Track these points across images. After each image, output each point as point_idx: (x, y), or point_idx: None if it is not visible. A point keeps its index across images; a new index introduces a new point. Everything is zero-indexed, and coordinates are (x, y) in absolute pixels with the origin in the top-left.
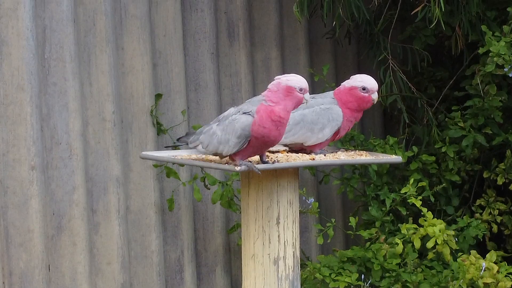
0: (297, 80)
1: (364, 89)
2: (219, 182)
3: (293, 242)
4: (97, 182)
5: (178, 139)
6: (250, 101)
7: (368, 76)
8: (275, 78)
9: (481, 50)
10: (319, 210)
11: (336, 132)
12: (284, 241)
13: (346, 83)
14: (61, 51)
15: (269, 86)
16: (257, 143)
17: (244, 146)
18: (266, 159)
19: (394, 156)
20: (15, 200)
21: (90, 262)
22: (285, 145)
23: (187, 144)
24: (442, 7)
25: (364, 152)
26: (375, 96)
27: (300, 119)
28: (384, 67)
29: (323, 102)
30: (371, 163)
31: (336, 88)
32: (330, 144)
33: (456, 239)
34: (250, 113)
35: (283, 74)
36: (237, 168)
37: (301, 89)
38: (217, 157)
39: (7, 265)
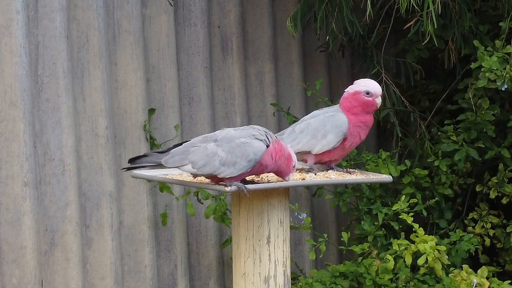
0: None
1: (368, 93)
2: (212, 197)
3: (283, 261)
4: (90, 198)
5: (131, 160)
6: (267, 131)
7: (372, 80)
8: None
9: (473, 65)
10: (311, 225)
11: (345, 139)
12: (275, 260)
13: (350, 89)
14: (54, 67)
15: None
16: (256, 169)
17: (248, 171)
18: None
19: (384, 176)
20: (8, 216)
21: (83, 277)
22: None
23: (156, 165)
24: (435, 23)
25: (355, 170)
26: (379, 101)
27: (305, 127)
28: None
29: (327, 111)
30: (361, 182)
31: (341, 98)
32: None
33: (449, 252)
34: (263, 140)
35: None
36: (227, 189)
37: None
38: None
39: (0, 282)
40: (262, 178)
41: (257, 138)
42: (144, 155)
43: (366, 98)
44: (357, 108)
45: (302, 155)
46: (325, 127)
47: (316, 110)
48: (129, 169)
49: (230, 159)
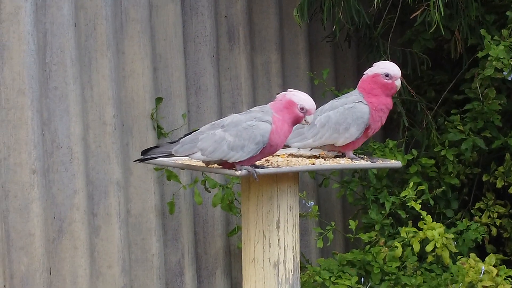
0: (302, 98)
1: (387, 75)
2: (220, 185)
3: (293, 246)
4: (98, 186)
5: (144, 152)
6: (263, 110)
7: (391, 62)
8: (288, 90)
9: (480, 54)
10: (318, 213)
11: (367, 128)
12: (284, 245)
13: (369, 71)
14: (62, 55)
15: (277, 95)
16: (266, 151)
17: (257, 153)
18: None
19: (393, 161)
20: (16, 204)
21: (91, 265)
22: (317, 148)
23: (168, 155)
24: (442, 12)
25: (364, 156)
26: (398, 83)
27: (326, 121)
28: None
29: (347, 101)
30: (371, 168)
31: (360, 80)
32: (355, 151)
33: (456, 242)
34: (267, 121)
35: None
36: (238, 173)
37: (302, 108)
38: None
39: (8, 269)
40: (271, 163)
41: (262, 120)
42: (156, 146)
43: (385, 80)
44: (377, 90)
45: (327, 146)
46: (346, 120)
47: (334, 99)
48: (141, 160)
49: (238, 143)
